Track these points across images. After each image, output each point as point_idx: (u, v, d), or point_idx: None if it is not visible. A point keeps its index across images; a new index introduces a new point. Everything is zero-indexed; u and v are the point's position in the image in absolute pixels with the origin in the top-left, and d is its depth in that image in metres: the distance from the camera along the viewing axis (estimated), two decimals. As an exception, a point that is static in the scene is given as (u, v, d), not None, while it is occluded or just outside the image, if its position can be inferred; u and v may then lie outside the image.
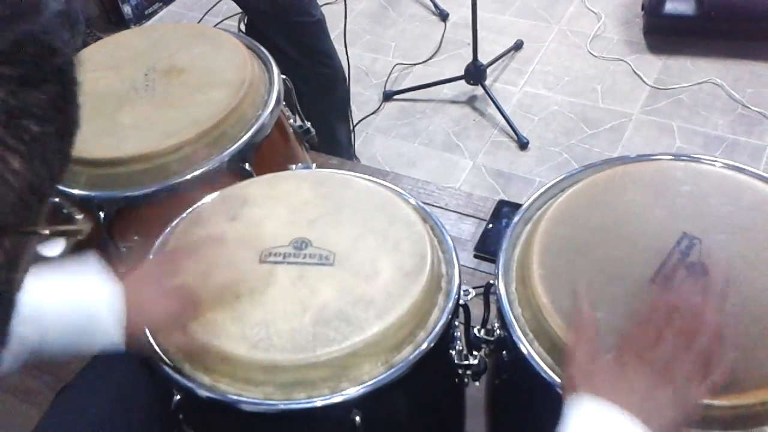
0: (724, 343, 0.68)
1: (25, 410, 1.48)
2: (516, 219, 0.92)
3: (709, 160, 0.92)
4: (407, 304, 0.80)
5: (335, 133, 2.01)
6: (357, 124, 2.28)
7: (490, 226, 1.61)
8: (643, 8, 2.53)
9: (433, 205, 1.66)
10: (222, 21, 2.77)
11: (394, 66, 2.53)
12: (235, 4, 1.78)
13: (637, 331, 0.69)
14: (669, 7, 2.39)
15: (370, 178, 0.97)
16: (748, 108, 2.22)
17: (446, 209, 1.69)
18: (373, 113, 2.38)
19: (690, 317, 0.68)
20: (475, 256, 1.57)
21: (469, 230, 1.64)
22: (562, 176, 0.95)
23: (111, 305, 0.75)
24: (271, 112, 1.15)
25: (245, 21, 2.71)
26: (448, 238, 0.92)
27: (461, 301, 0.87)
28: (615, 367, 0.67)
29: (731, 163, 0.91)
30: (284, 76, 1.23)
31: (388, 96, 2.43)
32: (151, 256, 0.90)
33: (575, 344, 0.71)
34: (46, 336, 0.73)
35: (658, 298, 0.71)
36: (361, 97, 2.38)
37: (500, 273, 0.86)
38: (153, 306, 0.78)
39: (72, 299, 0.76)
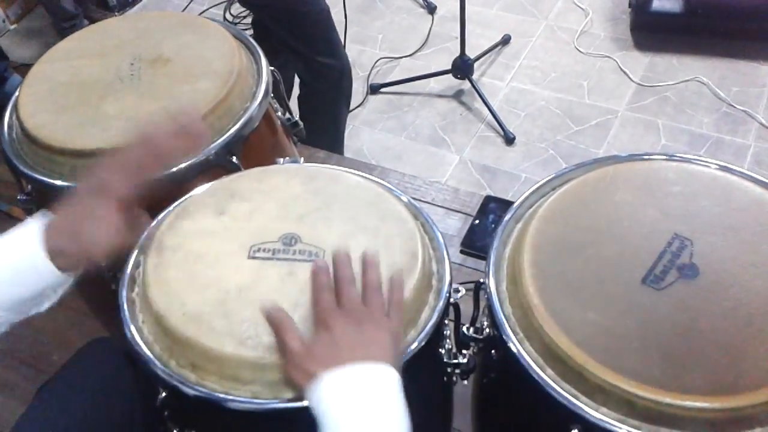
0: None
1: (4, 402, 1.47)
2: (507, 217, 0.91)
3: (702, 161, 0.92)
4: (398, 302, 0.79)
5: (338, 125, 2.00)
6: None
7: (477, 221, 1.61)
8: (630, 5, 2.54)
9: (420, 200, 1.66)
10: (208, 9, 2.74)
11: (380, 59, 2.52)
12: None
13: (324, 299, 0.75)
14: (656, 5, 2.40)
15: (361, 173, 0.96)
16: (733, 107, 2.23)
17: (433, 204, 1.69)
18: (359, 106, 2.37)
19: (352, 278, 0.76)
20: (462, 252, 1.57)
21: (455, 226, 1.64)
22: (553, 175, 0.95)
23: (28, 238, 0.73)
24: (260, 104, 1.13)
25: (230, 10, 2.70)
26: (439, 236, 0.91)
27: (452, 300, 0.87)
28: (324, 336, 0.72)
29: (724, 164, 0.91)
30: (272, 68, 1.21)
31: (374, 89, 2.42)
32: (134, 256, 0.88)
33: (284, 349, 0.74)
34: None
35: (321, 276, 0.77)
36: (348, 90, 2.37)
37: (491, 271, 0.85)
38: (68, 216, 0.76)
39: None
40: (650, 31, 2.49)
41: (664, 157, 0.94)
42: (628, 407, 0.71)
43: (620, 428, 0.71)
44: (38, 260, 0.73)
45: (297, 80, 1.92)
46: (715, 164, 0.92)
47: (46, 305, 0.77)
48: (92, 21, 2.41)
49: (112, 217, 0.76)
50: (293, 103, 1.92)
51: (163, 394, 0.80)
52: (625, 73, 2.38)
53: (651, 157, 0.94)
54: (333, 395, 0.68)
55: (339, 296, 0.75)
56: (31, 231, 0.74)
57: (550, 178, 0.95)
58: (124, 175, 0.77)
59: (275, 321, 0.75)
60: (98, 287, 0.84)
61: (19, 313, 0.75)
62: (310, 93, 1.87)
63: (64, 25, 2.44)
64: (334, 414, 0.67)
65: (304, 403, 0.75)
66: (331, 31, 1.79)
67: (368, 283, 0.76)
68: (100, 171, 0.78)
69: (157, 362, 0.79)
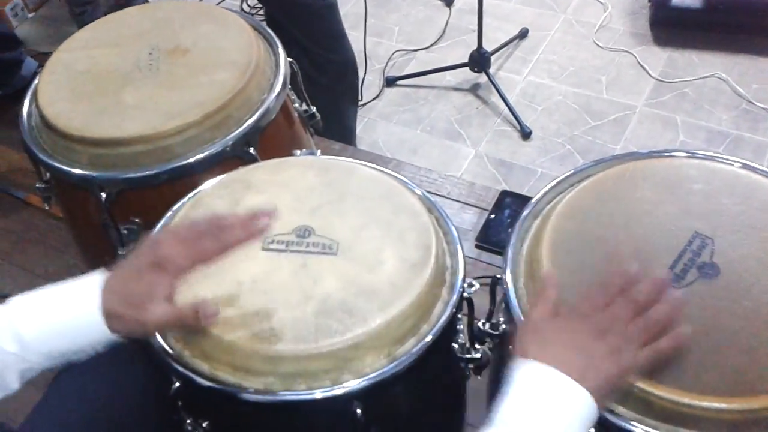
0: (678, 321, 0.71)
1: (20, 390, 1.47)
2: (525, 213, 0.90)
3: (724, 158, 0.91)
4: (411, 296, 0.79)
5: (344, 120, 1.99)
6: (362, 109, 2.26)
7: (493, 216, 1.60)
8: (649, 0, 2.51)
9: (435, 194, 1.65)
10: (223, 0, 2.73)
11: (396, 51, 2.51)
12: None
13: (589, 295, 0.72)
14: (676, 0, 2.37)
15: (376, 166, 0.95)
16: (753, 104, 2.20)
17: (448, 198, 1.68)
18: (375, 98, 2.36)
19: (646, 293, 0.71)
20: (477, 246, 1.56)
21: (470, 220, 1.63)
22: (572, 171, 0.94)
23: (87, 298, 0.72)
24: (277, 95, 1.13)
25: (247, 1, 2.69)
26: (453, 230, 0.90)
27: (465, 294, 0.86)
28: (557, 324, 0.71)
29: (746, 162, 0.90)
30: (290, 59, 1.21)
31: (390, 81, 2.41)
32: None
33: (533, 304, 0.73)
34: (26, 343, 0.71)
35: (620, 270, 0.74)
36: (364, 82, 2.36)
37: (508, 267, 0.85)
38: (128, 283, 0.74)
39: (47, 301, 0.74)
40: (670, 26, 2.46)
41: (686, 154, 0.93)
42: (646, 407, 0.71)
43: (637, 428, 0.70)
44: (94, 320, 0.72)
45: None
46: (738, 162, 0.90)
47: (83, 357, 0.76)
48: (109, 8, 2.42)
49: (169, 295, 0.74)
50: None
51: (177, 384, 0.80)
52: (643, 68, 2.36)
53: (672, 154, 0.93)
54: (532, 383, 0.66)
55: (621, 314, 0.70)
56: (91, 289, 0.73)
57: (568, 174, 0.94)
58: (184, 249, 0.75)
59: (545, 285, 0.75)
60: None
61: (56, 361, 0.74)
62: (313, 87, 1.87)
63: (76, 11, 2.44)
64: (520, 392, 0.66)
65: (316, 395, 0.75)
66: (337, 25, 1.79)
67: (652, 316, 0.71)
68: (162, 244, 0.76)
69: (170, 352, 0.79)
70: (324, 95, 1.85)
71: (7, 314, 0.72)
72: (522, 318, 0.79)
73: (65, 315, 0.73)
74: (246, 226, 0.77)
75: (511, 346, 0.84)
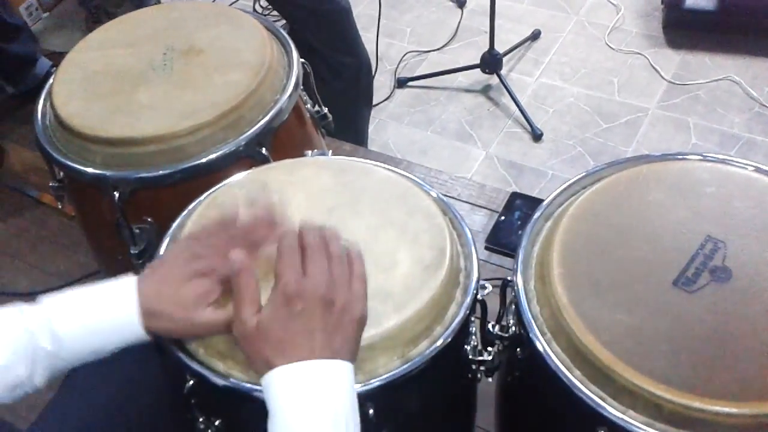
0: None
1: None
2: (536, 215, 0.90)
3: (737, 162, 0.91)
4: (426, 297, 0.79)
5: (358, 123, 2.00)
6: (374, 110, 2.26)
7: (503, 218, 1.60)
8: (662, 2, 2.50)
9: (446, 195, 1.65)
10: (237, 0, 2.74)
11: (408, 52, 2.51)
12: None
13: (288, 275, 0.68)
14: (689, 2, 2.36)
15: (391, 167, 0.95)
16: (766, 107, 2.20)
17: (458, 199, 1.68)
18: (386, 99, 2.37)
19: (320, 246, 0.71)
20: (486, 248, 1.56)
21: (481, 222, 1.63)
22: (584, 173, 0.94)
23: (124, 298, 0.73)
24: (290, 96, 1.13)
25: (260, 1, 2.70)
26: (468, 232, 0.90)
27: (478, 296, 0.86)
28: (288, 320, 0.67)
29: (760, 165, 0.89)
30: (303, 60, 1.21)
31: (401, 82, 2.41)
32: (166, 244, 0.88)
33: (237, 315, 0.69)
34: (61, 340, 0.72)
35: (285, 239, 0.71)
36: (375, 83, 2.36)
37: (519, 270, 0.85)
38: (175, 285, 0.75)
39: (82, 301, 0.74)
40: (683, 29, 2.45)
41: (699, 157, 0.93)
42: (656, 410, 0.71)
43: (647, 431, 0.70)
44: (132, 319, 0.73)
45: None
46: (751, 166, 0.90)
47: (106, 355, 0.76)
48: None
49: (217, 300, 0.75)
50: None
51: (191, 382, 0.80)
52: (656, 70, 2.35)
53: (685, 157, 0.93)
54: (285, 391, 0.66)
55: (305, 267, 0.69)
56: (129, 288, 0.74)
57: (580, 176, 0.94)
58: (222, 262, 0.75)
59: (238, 280, 0.69)
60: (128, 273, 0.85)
61: (85, 360, 0.75)
62: (327, 91, 1.87)
63: (89, 5, 2.47)
64: (283, 408, 0.65)
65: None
66: (351, 30, 1.79)
67: (333, 255, 0.71)
68: (200, 253, 0.76)
69: (185, 350, 0.80)
70: (339, 98, 1.86)
71: (42, 312, 0.73)
72: (530, 319, 0.80)
73: (103, 314, 0.73)
74: (269, 225, 0.78)
75: (520, 349, 0.84)
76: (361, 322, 0.71)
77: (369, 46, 2.32)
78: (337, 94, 1.85)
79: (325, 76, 1.83)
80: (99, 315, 0.74)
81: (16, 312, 0.73)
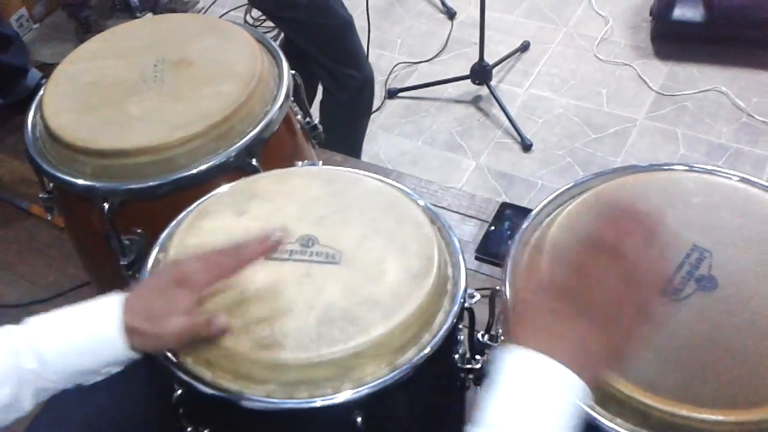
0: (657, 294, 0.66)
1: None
2: (525, 225, 0.91)
3: (723, 172, 0.92)
4: (413, 306, 0.80)
5: (357, 134, 2.01)
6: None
7: (493, 228, 1.61)
8: (651, 13, 2.53)
9: (436, 206, 1.65)
10: (228, 12, 2.75)
11: (399, 63, 2.52)
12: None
13: (570, 271, 0.65)
14: (677, 13, 2.38)
15: (380, 177, 0.96)
16: (753, 117, 2.22)
17: (449, 210, 1.69)
18: (376, 110, 2.37)
19: (631, 263, 0.63)
20: (477, 258, 1.57)
21: (471, 232, 1.63)
22: (572, 183, 0.95)
23: (107, 315, 0.74)
24: (280, 107, 1.14)
25: (251, 13, 2.71)
26: (456, 241, 0.91)
27: (466, 305, 0.87)
28: (547, 313, 0.64)
29: (745, 176, 0.91)
30: (293, 72, 1.22)
31: (392, 93, 2.43)
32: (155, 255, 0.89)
33: (521, 288, 0.69)
34: (46, 361, 0.72)
35: (594, 234, 0.65)
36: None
37: (507, 279, 0.85)
38: (150, 300, 0.76)
39: (66, 320, 0.75)
40: (671, 40, 2.48)
41: (685, 167, 0.94)
42: (643, 418, 0.71)
43: (634, 439, 0.71)
44: (114, 337, 0.73)
45: (320, 87, 1.93)
46: (736, 176, 0.91)
47: (99, 378, 0.77)
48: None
49: (190, 309, 0.75)
50: (314, 110, 1.93)
51: (179, 391, 0.80)
52: (644, 81, 2.37)
53: (671, 167, 0.94)
54: (521, 371, 0.62)
55: (593, 268, 0.63)
56: (112, 306, 0.74)
57: (568, 186, 0.95)
58: (206, 269, 0.77)
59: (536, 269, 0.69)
60: (118, 284, 0.85)
61: (72, 381, 0.75)
62: (331, 102, 1.87)
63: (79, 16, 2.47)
64: (508, 384, 0.62)
65: (317, 403, 0.75)
66: (355, 43, 1.80)
67: (639, 274, 0.63)
68: (183, 263, 0.78)
69: (173, 359, 0.80)
70: (343, 109, 1.87)
71: (26, 332, 0.73)
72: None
73: (86, 332, 0.74)
74: (262, 242, 0.78)
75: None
76: (617, 357, 0.64)
77: (360, 57, 2.35)
78: (341, 106, 1.86)
79: (330, 87, 1.84)
80: (82, 333, 0.74)
81: (2, 332, 0.73)
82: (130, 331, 0.73)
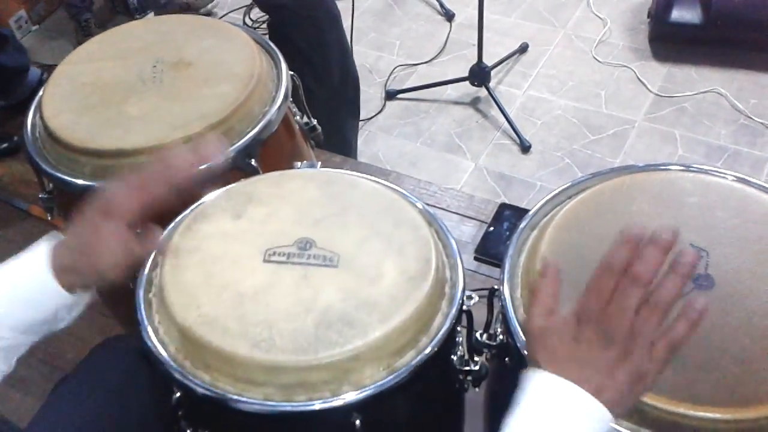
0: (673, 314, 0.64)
1: (20, 398, 1.48)
2: (522, 225, 0.91)
3: (719, 172, 0.92)
4: (411, 308, 0.80)
5: (345, 132, 2.00)
6: (365, 122, 2.29)
7: (491, 229, 1.61)
8: (649, 15, 2.53)
9: (435, 206, 1.66)
10: (227, 14, 2.76)
11: (397, 66, 2.53)
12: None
13: (590, 297, 0.65)
14: (675, 15, 2.39)
15: (378, 179, 0.96)
16: (751, 119, 2.22)
17: (447, 210, 1.69)
18: (379, 113, 2.38)
19: (646, 279, 0.62)
20: (476, 259, 1.57)
21: (470, 232, 1.64)
22: (569, 184, 0.95)
23: (35, 259, 0.74)
24: (279, 108, 1.14)
25: (250, 15, 2.72)
26: (453, 243, 0.91)
27: (464, 307, 0.87)
28: (571, 340, 0.64)
29: (741, 176, 0.91)
30: (292, 72, 1.22)
31: (391, 95, 2.43)
32: (152, 257, 0.89)
33: (531, 308, 0.69)
34: None
35: (612, 257, 0.65)
36: (365, 95, 2.37)
37: (505, 278, 0.85)
38: (79, 235, 0.76)
39: (1, 276, 0.75)
40: (669, 42, 2.48)
41: (681, 167, 0.94)
42: (640, 416, 0.71)
43: (631, 438, 0.71)
44: (46, 281, 0.73)
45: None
46: (732, 176, 0.91)
47: (61, 326, 0.77)
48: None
49: (119, 235, 0.75)
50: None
51: (178, 394, 0.80)
52: (642, 83, 2.38)
53: (668, 167, 0.94)
54: (543, 395, 0.63)
55: (615, 294, 0.63)
56: (39, 252, 0.74)
57: (565, 186, 0.95)
58: (130, 193, 0.77)
59: (542, 282, 0.70)
60: (116, 286, 0.85)
61: (36, 333, 0.76)
62: (311, 99, 1.88)
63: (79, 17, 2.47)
64: (530, 408, 0.63)
65: (315, 406, 0.75)
66: (340, 38, 1.80)
67: (661, 296, 0.62)
68: (106, 192, 0.78)
69: (172, 362, 0.80)
70: (322, 106, 1.86)
71: None
72: (517, 327, 0.80)
73: (19, 283, 0.74)
74: (192, 151, 0.78)
75: (508, 358, 0.85)
76: (640, 382, 0.64)
77: (359, 58, 2.35)
78: (320, 103, 1.87)
79: (309, 83, 1.85)
80: (17, 285, 0.74)
81: None
82: (62, 271, 0.73)
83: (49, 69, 2.24)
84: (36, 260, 0.74)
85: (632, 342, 0.62)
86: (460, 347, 0.90)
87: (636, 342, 0.62)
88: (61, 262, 0.74)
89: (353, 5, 2.07)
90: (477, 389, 0.94)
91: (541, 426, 0.62)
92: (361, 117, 2.29)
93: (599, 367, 0.63)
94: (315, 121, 1.33)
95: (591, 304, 0.64)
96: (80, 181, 1.08)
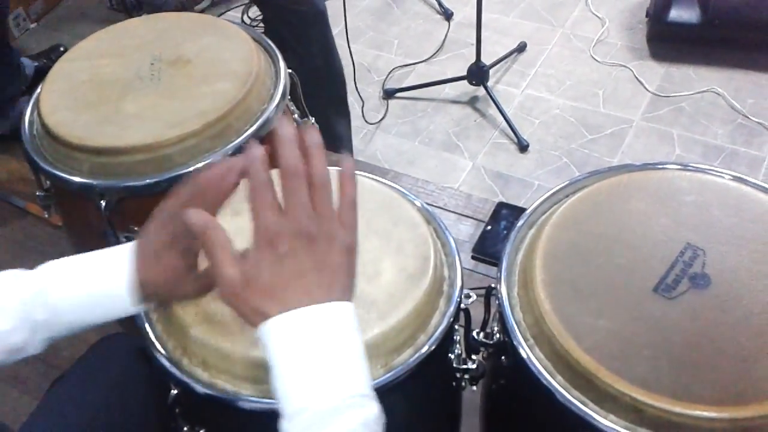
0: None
1: (17, 396, 1.48)
2: (520, 223, 0.91)
3: (716, 171, 0.92)
4: (409, 306, 0.80)
5: (334, 128, 2.00)
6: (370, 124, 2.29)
7: (489, 227, 1.61)
8: (647, 15, 2.53)
9: (433, 205, 1.66)
10: (225, 12, 2.76)
11: (396, 66, 2.52)
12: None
13: (265, 214, 0.62)
14: (673, 15, 2.39)
15: (376, 177, 0.96)
16: (748, 118, 2.22)
17: (445, 209, 1.69)
18: (382, 118, 2.37)
19: (301, 168, 0.63)
20: (473, 257, 1.57)
21: (467, 231, 1.64)
22: (567, 182, 0.95)
23: (118, 267, 0.72)
24: (277, 105, 1.14)
25: (248, 13, 2.71)
26: (452, 241, 0.91)
27: (462, 306, 0.87)
28: (276, 263, 0.61)
29: (738, 175, 0.91)
30: (290, 70, 1.22)
31: (389, 94, 2.43)
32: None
33: (218, 274, 0.62)
34: (58, 315, 0.72)
35: (253, 178, 0.64)
36: (363, 94, 2.38)
37: (503, 277, 0.86)
38: (161, 254, 0.73)
39: (78, 271, 0.74)
40: (667, 41, 2.48)
41: (678, 166, 0.94)
42: (637, 415, 0.71)
43: (628, 436, 0.71)
44: (122, 294, 0.72)
45: None
46: (729, 175, 0.92)
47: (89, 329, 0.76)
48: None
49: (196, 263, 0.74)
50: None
51: (175, 391, 0.80)
52: (640, 82, 2.38)
53: (665, 166, 0.94)
54: (285, 340, 0.60)
55: (284, 201, 0.62)
56: (122, 261, 0.72)
57: (563, 185, 0.95)
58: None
59: (208, 239, 0.63)
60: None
61: (75, 331, 0.75)
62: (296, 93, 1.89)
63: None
64: (286, 360, 0.60)
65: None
66: (327, 34, 1.80)
67: (315, 181, 0.63)
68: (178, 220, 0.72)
69: (169, 360, 0.80)
70: (307, 102, 1.86)
71: (38, 282, 0.72)
72: (513, 325, 0.80)
73: (97, 287, 0.73)
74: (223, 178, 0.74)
75: (505, 357, 0.85)
76: (350, 253, 0.63)
77: (358, 57, 2.35)
78: (307, 97, 1.87)
79: (295, 78, 1.85)
80: (93, 288, 0.73)
81: (12, 279, 0.73)
82: (145, 285, 0.72)
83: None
84: (119, 271, 0.72)
85: (326, 225, 0.61)
86: (458, 346, 0.90)
87: (328, 224, 0.61)
88: (146, 277, 0.72)
89: (344, 5, 2.06)
90: (474, 388, 0.94)
91: (303, 374, 0.59)
92: (360, 116, 2.30)
93: (315, 266, 0.60)
94: (313, 120, 1.33)
95: (271, 218, 0.61)
96: (78, 179, 1.08)
